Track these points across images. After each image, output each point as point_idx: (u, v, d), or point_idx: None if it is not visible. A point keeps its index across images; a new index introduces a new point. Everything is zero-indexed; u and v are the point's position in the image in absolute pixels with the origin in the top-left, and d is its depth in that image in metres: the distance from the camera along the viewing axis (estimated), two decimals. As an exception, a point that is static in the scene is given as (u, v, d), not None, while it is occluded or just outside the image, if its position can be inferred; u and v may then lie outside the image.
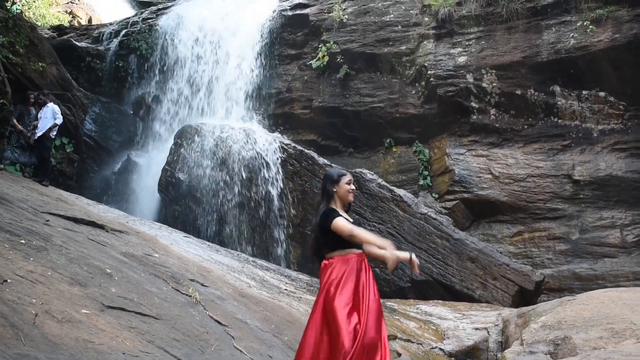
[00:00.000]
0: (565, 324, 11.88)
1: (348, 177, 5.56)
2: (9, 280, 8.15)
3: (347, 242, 5.55)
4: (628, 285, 17.87)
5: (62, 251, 10.03)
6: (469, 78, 22.12)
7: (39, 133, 16.63)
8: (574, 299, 13.49)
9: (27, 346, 7.14)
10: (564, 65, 21.00)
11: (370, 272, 5.60)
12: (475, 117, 22.25)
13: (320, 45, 24.51)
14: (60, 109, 20.12)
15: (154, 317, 9.27)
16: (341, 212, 5.48)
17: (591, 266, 20.06)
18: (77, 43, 26.04)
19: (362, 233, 5.59)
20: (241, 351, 9.64)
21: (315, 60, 24.52)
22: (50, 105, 16.99)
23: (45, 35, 24.35)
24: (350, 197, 5.48)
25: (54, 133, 17.33)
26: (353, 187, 5.53)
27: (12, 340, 7.10)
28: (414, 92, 23.27)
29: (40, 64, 19.82)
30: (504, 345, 13.62)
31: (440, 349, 13.66)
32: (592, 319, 11.60)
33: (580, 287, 19.00)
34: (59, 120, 16.95)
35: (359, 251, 5.56)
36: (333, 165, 20.06)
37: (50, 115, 16.74)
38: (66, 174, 20.88)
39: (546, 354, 11.20)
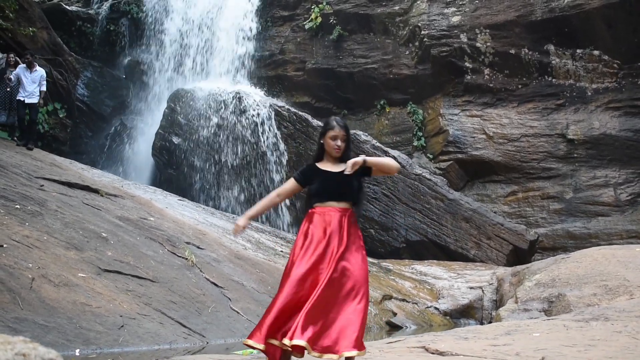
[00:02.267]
0: (559, 282, 11.97)
1: (332, 132, 5.22)
2: (5, 245, 8.16)
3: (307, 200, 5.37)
4: (621, 243, 17.99)
5: (57, 216, 10.04)
6: (463, 38, 22.00)
7: (34, 99, 16.42)
8: (568, 257, 13.58)
9: (24, 310, 7.18)
10: (558, 24, 20.89)
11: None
12: (469, 77, 22.18)
13: (312, 7, 24.32)
14: (52, 74, 19.98)
15: (151, 280, 9.31)
16: (324, 164, 5.25)
17: (585, 225, 20.18)
18: (67, 7, 25.76)
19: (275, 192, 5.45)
20: (238, 312, 9.71)
21: (308, 21, 24.34)
22: (40, 69, 16.78)
23: (35, 0, 24.11)
24: (334, 153, 5.22)
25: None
26: (339, 143, 5.23)
27: (10, 305, 7.13)
28: (407, 52, 23.15)
29: (30, 28, 19.60)
30: (498, 303, 13.74)
31: (436, 308, 13.78)
32: (586, 277, 11.69)
33: (574, 245, 19.12)
34: (44, 87, 16.75)
35: (329, 204, 5.26)
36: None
37: (38, 81, 16.52)
38: (59, 139, 20.77)
39: (540, 311, 11.31)
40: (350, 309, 4.85)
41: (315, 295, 4.78)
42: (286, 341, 4.65)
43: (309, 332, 4.68)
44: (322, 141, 5.26)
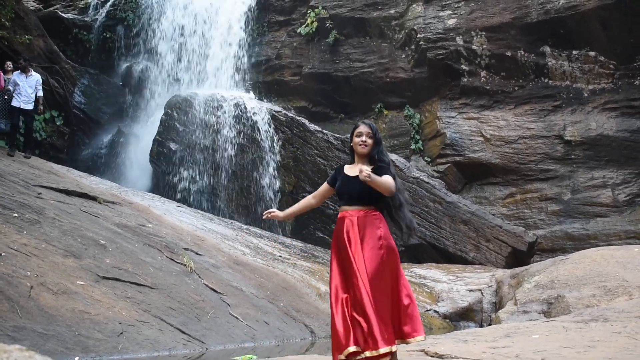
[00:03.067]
0: (558, 283, 11.98)
1: (358, 130, 5.47)
2: (3, 254, 8.16)
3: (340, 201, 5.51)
4: (620, 244, 18.00)
5: (55, 223, 10.04)
6: (459, 40, 22.03)
7: (30, 105, 16.36)
8: (567, 258, 13.59)
9: (23, 318, 7.18)
10: (554, 26, 20.91)
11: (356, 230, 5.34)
12: (465, 79, 22.20)
13: (308, 11, 24.34)
14: (49, 82, 19.97)
15: (150, 287, 9.31)
16: (349, 168, 5.42)
17: (583, 226, 20.18)
18: (63, 15, 25.76)
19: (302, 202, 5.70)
20: (237, 318, 9.70)
21: (304, 26, 24.35)
22: (35, 74, 16.73)
23: (31, 8, 24.08)
24: (360, 149, 5.40)
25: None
26: (363, 138, 5.41)
27: (9, 313, 7.13)
28: (403, 56, 23.17)
29: (26, 36, 19.63)
30: (497, 305, 13.74)
31: (435, 311, 13.77)
32: (585, 278, 11.69)
33: (573, 247, 19.12)
34: (40, 93, 16.69)
35: (346, 208, 5.40)
36: (324, 131, 20.03)
37: (34, 85, 16.45)
38: (57, 147, 20.77)
39: (540, 313, 11.30)
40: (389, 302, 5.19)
41: (366, 299, 5.02)
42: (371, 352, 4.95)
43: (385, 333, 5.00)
44: (352, 144, 5.46)
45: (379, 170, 5.33)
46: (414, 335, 5.20)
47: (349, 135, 5.67)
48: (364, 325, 4.96)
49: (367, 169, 5.10)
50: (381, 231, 5.32)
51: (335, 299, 5.15)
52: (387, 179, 5.24)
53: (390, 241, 5.36)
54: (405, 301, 5.24)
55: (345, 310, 5.06)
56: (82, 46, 25.60)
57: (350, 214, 5.29)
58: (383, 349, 4.89)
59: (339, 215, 5.38)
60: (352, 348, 4.92)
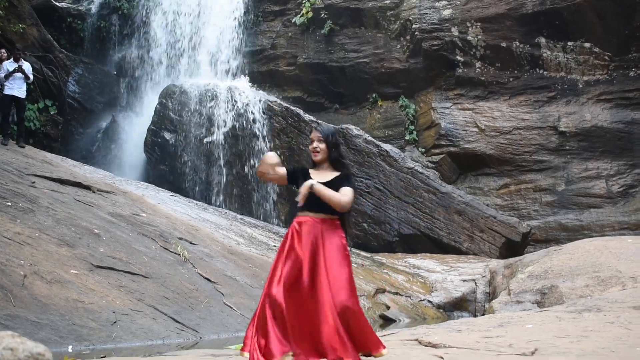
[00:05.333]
0: (551, 273, 12.01)
1: (311, 136, 5.31)
2: (-4, 243, 8.14)
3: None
4: (614, 235, 18.05)
5: (49, 212, 10.02)
6: (454, 31, 22.00)
7: (22, 94, 16.28)
8: (560, 249, 13.63)
9: (16, 307, 7.17)
10: (549, 17, 20.91)
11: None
12: (460, 70, 22.19)
13: (303, 1, 24.27)
14: (43, 71, 19.89)
15: (143, 276, 9.31)
16: (316, 173, 5.23)
17: (577, 217, 20.23)
18: (57, 3, 25.61)
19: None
20: (231, 307, 9.71)
21: (299, 16, 24.29)
22: (25, 62, 16.62)
23: (25, -4, 24.00)
24: (313, 157, 5.23)
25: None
26: (314, 145, 5.21)
27: (2, 302, 7.12)
28: (399, 46, 23.14)
29: (20, 25, 19.52)
30: (491, 295, 13.78)
31: (429, 301, 13.81)
32: (579, 268, 11.73)
33: (567, 237, 19.16)
34: (31, 80, 16.58)
35: (308, 214, 5.23)
36: (319, 121, 20.01)
37: (25, 75, 16.33)
38: (51, 136, 20.69)
39: (533, 303, 11.33)
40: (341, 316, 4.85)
41: (309, 311, 4.85)
42: None
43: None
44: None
45: (338, 181, 5.14)
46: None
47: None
48: (310, 335, 4.80)
49: (308, 185, 5.03)
50: (344, 240, 5.16)
51: (273, 301, 4.93)
52: (331, 194, 5.02)
53: (348, 252, 5.15)
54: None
55: (285, 316, 4.85)
56: (76, 35, 25.49)
57: (315, 220, 5.10)
58: None
59: (298, 219, 5.15)
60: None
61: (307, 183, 4.98)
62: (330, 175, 5.17)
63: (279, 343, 4.74)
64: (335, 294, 4.83)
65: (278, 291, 4.89)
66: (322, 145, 5.19)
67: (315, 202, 5.05)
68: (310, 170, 5.26)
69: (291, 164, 19.36)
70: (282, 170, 5.23)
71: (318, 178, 5.15)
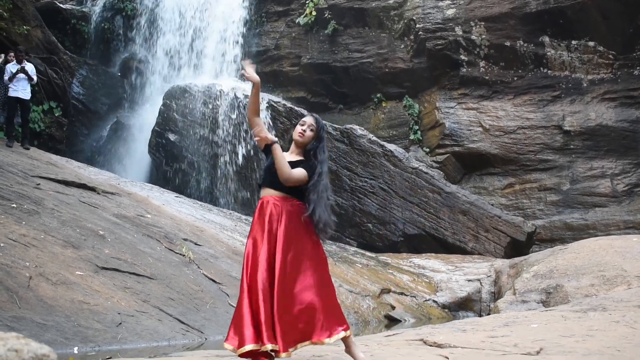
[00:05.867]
0: (557, 273, 11.99)
1: (302, 119, 5.41)
2: (2, 245, 8.16)
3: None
4: (619, 234, 18.02)
5: (54, 214, 10.03)
6: (458, 31, 21.99)
7: (27, 95, 16.30)
8: (566, 248, 13.60)
9: (22, 309, 7.18)
10: (553, 16, 20.88)
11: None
12: (464, 70, 22.17)
13: (307, 1, 24.28)
14: (47, 73, 19.93)
15: (149, 277, 9.32)
16: (287, 153, 5.31)
17: (582, 216, 20.19)
18: (61, 5, 25.69)
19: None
20: (236, 308, 9.70)
21: (302, 16, 24.30)
22: (29, 64, 16.65)
23: (29, -2, 24.07)
24: (296, 136, 5.29)
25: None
26: (304, 128, 5.24)
27: (7, 304, 7.13)
28: (402, 46, 23.13)
29: (25, 27, 19.61)
30: (496, 295, 13.76)
31: (434, 301, 13.79)
32: (584, 267, 11.71)
33: (572, 236, 19.14)
34: (34, 81, 16.62)
35: (271, 192, 5.27)
36: (323, 122, 19.98)
37: (28, 76, 16.36)
38: (55, 138, 20.76)
39: (538, 303, 11.32)
40: (309, 298, 4.95)
41: (275, 295, 4.85)
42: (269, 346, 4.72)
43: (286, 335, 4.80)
44: (293, 131, 5.36)
45: (299, 163, 5.19)
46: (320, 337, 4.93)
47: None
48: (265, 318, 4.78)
49: (261, 130, 5.08)
50: (305, 224, 5.19)
51: (249, 286, 4.96)
52: (282, 162, 5.09)
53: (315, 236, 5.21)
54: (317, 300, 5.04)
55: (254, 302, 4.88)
56: (80, 37, 25.55)
57: (275, 199, 5.13)
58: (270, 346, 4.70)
59: (263, 198, 5.20)
60: (250, 347, 4.74)
61: (267, 135, 5.08)
62: (296, 157, 5.23)
63: (249, 330, 4.78)
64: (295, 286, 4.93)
65: (249, 277, 4.96)
66: (310, 133, 5.26)
67: (279, 181, 5.12)
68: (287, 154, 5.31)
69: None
70: (269, 135, 5.22)
71: (286, 156, 5.23)
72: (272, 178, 5.17)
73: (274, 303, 4.83)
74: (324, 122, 5.49)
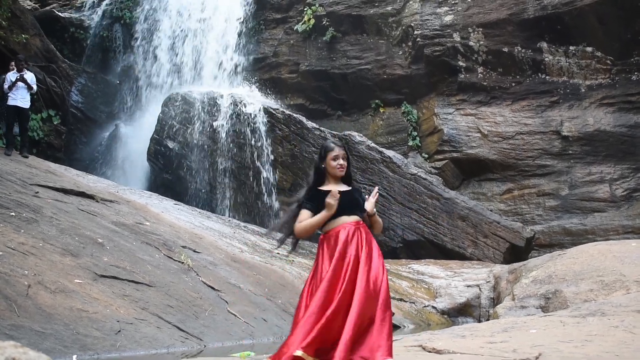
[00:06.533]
0: (555, 278, 12.00)
1: (334, 153, 5.23)
2: (0, 253, 8.16)
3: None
4: (618, 239, 17.99)
5: (53, 222, 10.04)
6: (456, 37, 22.03)
7: (26, 104, 16.30)
8: (564, 253, 13.60)
9: (21, 317, 7.18)
10: (551, 22, 20.92)
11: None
12: (462, 76, 22.21)
13: (305, 8, 24.33)
14: (46, 81, 19.95)
15: (147, 285, 9.32)
16: (330, 186, 5.24)
17: (581, 221, 20.21)
18: (59, 13, 25.71)
19: (303, 227, 5.28)
20: (235, 315, 9.71)
21: (301, 23, 24.34)
22: (29, 73, 16.66)
23: (28, 7, 24.04)
24: (338, 172, 5.26)
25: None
26: (341, 162, 5.25)
27: (6, 312, 7.13)
28: (401, 53, 23.17)
29: (23, 35, 19.63)
30: (495, 301, 13.76)
31: (433, 307, 13.79)
32: (583, 272, 11.71)
33: (571, 242, 19.15)
34: (34, 90, 16.63)
35: (346, 219, 5.27)
36: (322, 128, 20.03)
37: (27, 85, 16.36)
38: (54, 146, 20.78)
39: (537, 308, 11.32)
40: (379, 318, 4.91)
41: (353, 312, 4.82)
42: None
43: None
44: (322, 165, 5.28)
45: (355, 192, 5.34)
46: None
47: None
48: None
49: (371, 207, 5.26)
50: (374, 240, 5.29)
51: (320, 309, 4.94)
52: (379, 222, 5.41)
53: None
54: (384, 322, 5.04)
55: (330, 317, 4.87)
56: (78, 45, 25.58)
57: (349, 223, 5.15)
58: None
59: (336, 228, 5.17)
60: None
61: (370, 207, 5.26)
62: (344, 187, 5.25)
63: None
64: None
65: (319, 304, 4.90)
66: (346, 163, 5.29)
67: (348, 207, 5.17)
68: (322, 187, 5.27)
69: (295, 171, 19.44)
70: (307, 215, 5.24)
71: (335, 188, 5.20)
72: (344, 207, 5.18)
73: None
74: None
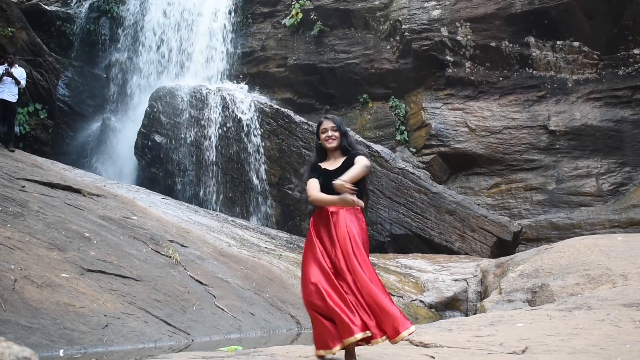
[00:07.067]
0: (542, 272, 12.04)
1: (322, 126, 5.42)
2: (-14, 247, 8.12)
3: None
4: (604, 233, 18.12)
5: (39, 216, 9.99)
6: (444, 31, 22.06)
7: (13, 98, 16.19)
8: (551, 247, 13.66)
9: (7, 312, 7.14)
10: (538, 16, 20.98)
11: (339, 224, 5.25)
12: (450, 70, 22.25)
13: (293, 2, 24.31)
14: (32, 75, 19.82)
15: (135, 279, 9.29)
16: (328, 163, 5.36)
17: (568, 215, 20.29)
18: (46, 7, 25.57)
19: (314, 198, 5.36)
20: (223, 309, 9.70)
21: (288, 17, 24.32)
22: (20, 68, 16.55)
23: (14, 0, 23.90)
24: (327, 144, 5.38)
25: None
26: (329, 133, 5.35)
27: (-8, 307, 7.09)
28: (388, 47, 23.18)
29: (9, 29, 19.49)
30: (483, 295, 13.80)
31: (421, 301, 13.82)
32: (569, 266, 11.76)
33: (558, 236, 19.23)
34: (22, 85, 16.51)
35: None
36: (310, 123, 20.01)
37: (14, 79, 16.24)
38: (41, 140, 20.65)
39: (524, 302, 11.37)
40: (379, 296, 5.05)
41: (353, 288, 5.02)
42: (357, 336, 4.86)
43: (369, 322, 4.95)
44: (319, 141, 5.40)
45: (350, 156, 5.36)
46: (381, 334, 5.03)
47: (320, 121, 5.59)
48: (372, 309, 4.95)
49: (339, 183, 5.12)
50: (364, 224, 5.33)
51: (321, 289, 5.05)
52: (355, 168, 5.26)
53: (367, 236, 5.41)
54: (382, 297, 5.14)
55: (339, 297, 4.98)
56: (65, 39, 25.46)
57: (337, 207, 5.24)
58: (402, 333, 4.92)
59: (322, 209, 5.30)
60: (360, 334, 4.89)
61: (338, 182, 5.11)
62: (340, 160, 5.30)
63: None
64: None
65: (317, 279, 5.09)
66: (337, 134, 5.35)
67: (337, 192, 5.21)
68: (322, 163, 5.39)
69: (283, 165, 19.43)
70: (317, 184, 5.37)
71: (330, 166, 5.39)
72: (332, 187, 5.20)
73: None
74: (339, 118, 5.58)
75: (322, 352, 5.04)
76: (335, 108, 24.07)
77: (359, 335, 4.83)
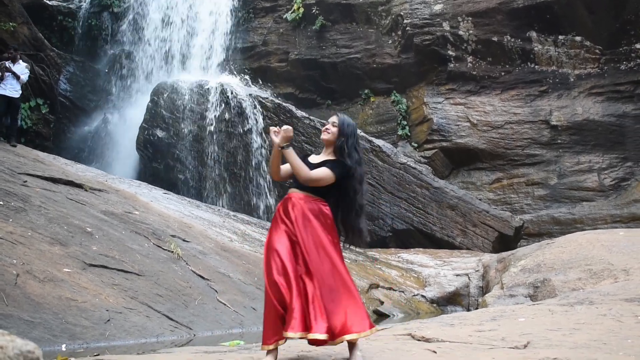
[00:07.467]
0: (544, 267, 12.04)
1: (329, 119, 5.47)
2: (-12, 242, 8.12)
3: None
4: (606, 228, 18.12)
5: (42, 211, 9.99)
6: (446, 26, 22.02)
7: (16, 94, 16.18)
8: (553, 242, 13.65)
9: (9, 306, 7.15)
10: (540, 11, 20.94)
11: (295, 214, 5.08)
12: (452, 65, 22.22)
13: (294, -3, 24.31)
14: (34, 70, 19.81)
15: (137, 274, 9.29)
16: (314, 157, 5.34)
17: (570, 210, 20.29)
18: (48, 2, 25.52)
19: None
20: (225, 304, 9.70)
21: (290, 12, 24.29)
22: (22, 63, 16.53)
23: (15, -5, 23.89)
24: (322, 135, 5.37)
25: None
26: (327, 126, 5.33)
27: (-5, 301, 7.10)
28: (390, 42, 23.15)
29: (11, 24, 19.46)
30: (484, 290, 13.79)
31: (422, 295, 13.81)
32: (571, 261, 11.75)
33: (559, 231, 19.23)
34: (25, 77, 16.49)
35: (295, 191, 5.27)
36: (311, 117, 20.00)
37: (21, 74, 16.24)
38: (42, 135, 20.64)
39: (526, 297, 11.37)
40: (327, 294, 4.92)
41: (307, 284, 4.88)
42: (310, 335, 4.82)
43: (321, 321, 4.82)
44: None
45: (324, 163, 5.17)
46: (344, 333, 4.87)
47: None
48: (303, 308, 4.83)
49: (277, 129, 5.13)
50: (330, 220, 5.14)
51: (273, 280, 4.98)
52: (303, 166, 5.10)
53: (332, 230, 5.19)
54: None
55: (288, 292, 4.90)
56: (67, 33, 25.44)
57: (299, 196, 5.16)
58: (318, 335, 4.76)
59: (287, 196, 5.25)
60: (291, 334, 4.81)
61: (275, 131, 5.11)
62: (326, 158, 5.24)
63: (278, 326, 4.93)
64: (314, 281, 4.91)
65: (277, 274, 4.94)
66: (334, 129, 5.28)
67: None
68: (312, 156, 5.36)
69: (284, 160, 19.39)
70: (276, 140, 5.23)
71: (313, 159, 5.29)
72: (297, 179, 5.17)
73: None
74: (349, 119, 5.45)
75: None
76: (337, 103, 24.05)
77: (294, 335, 4.78)
